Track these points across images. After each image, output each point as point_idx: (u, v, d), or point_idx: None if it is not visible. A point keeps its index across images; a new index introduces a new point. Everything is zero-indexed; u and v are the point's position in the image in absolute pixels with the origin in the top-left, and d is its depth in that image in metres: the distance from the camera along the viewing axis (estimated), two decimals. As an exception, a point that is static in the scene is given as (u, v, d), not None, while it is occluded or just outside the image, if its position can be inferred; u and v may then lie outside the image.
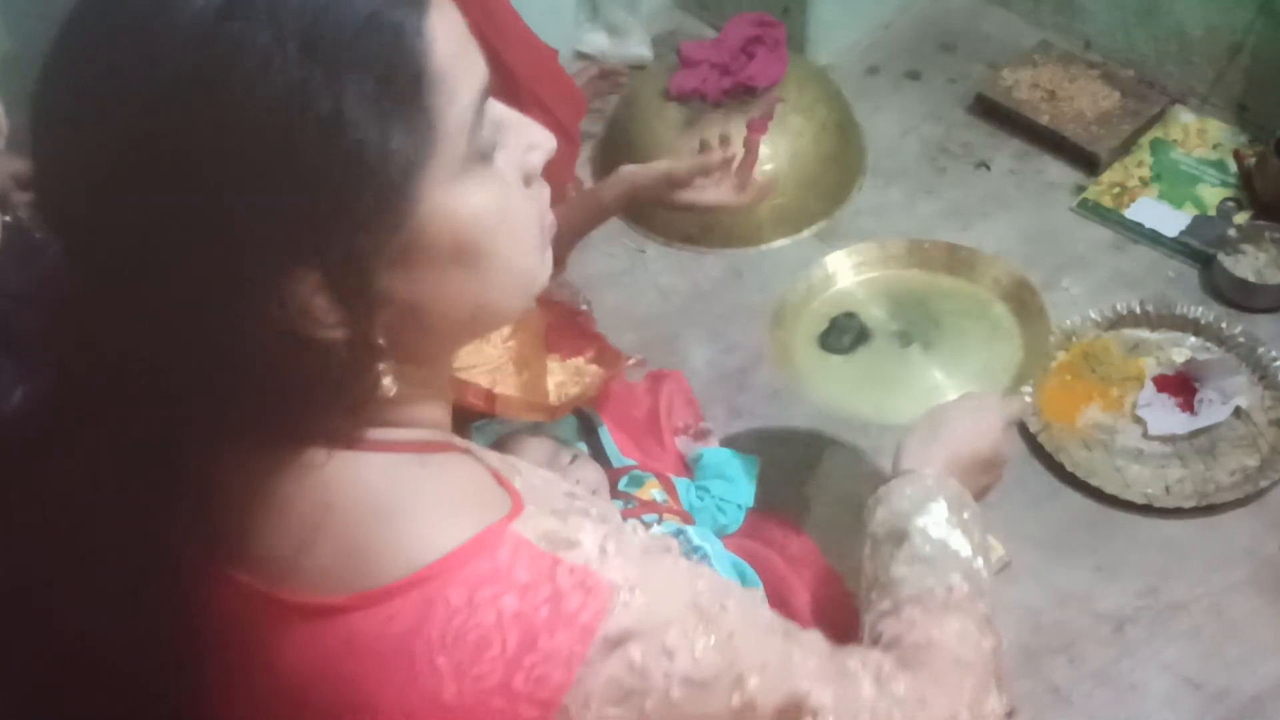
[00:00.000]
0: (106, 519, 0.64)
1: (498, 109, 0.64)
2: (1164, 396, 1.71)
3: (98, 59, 0.55)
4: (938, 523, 0.95)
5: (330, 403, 0.61)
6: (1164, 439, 1.67)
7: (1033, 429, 1.69)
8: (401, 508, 0.63)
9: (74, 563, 0.64)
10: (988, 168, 2.11)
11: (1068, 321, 1.82)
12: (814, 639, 0.77)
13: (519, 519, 0.65)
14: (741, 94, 2.02)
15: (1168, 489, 1.62)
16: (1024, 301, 1.41)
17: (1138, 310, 1.81)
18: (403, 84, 0.56)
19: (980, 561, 0.94)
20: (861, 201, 2.10)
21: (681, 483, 1.44)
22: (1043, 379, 1.76)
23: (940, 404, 1.08)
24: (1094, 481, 1.62)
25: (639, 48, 2.36)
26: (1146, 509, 1.60)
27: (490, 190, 0.62)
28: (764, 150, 1.97)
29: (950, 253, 1.49)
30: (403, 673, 0.60)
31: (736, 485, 1.50)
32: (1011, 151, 2.13)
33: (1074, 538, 1.60)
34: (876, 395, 1.39)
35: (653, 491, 1.40)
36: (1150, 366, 1.76)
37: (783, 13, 2.20)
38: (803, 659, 0.73)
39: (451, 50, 0.59)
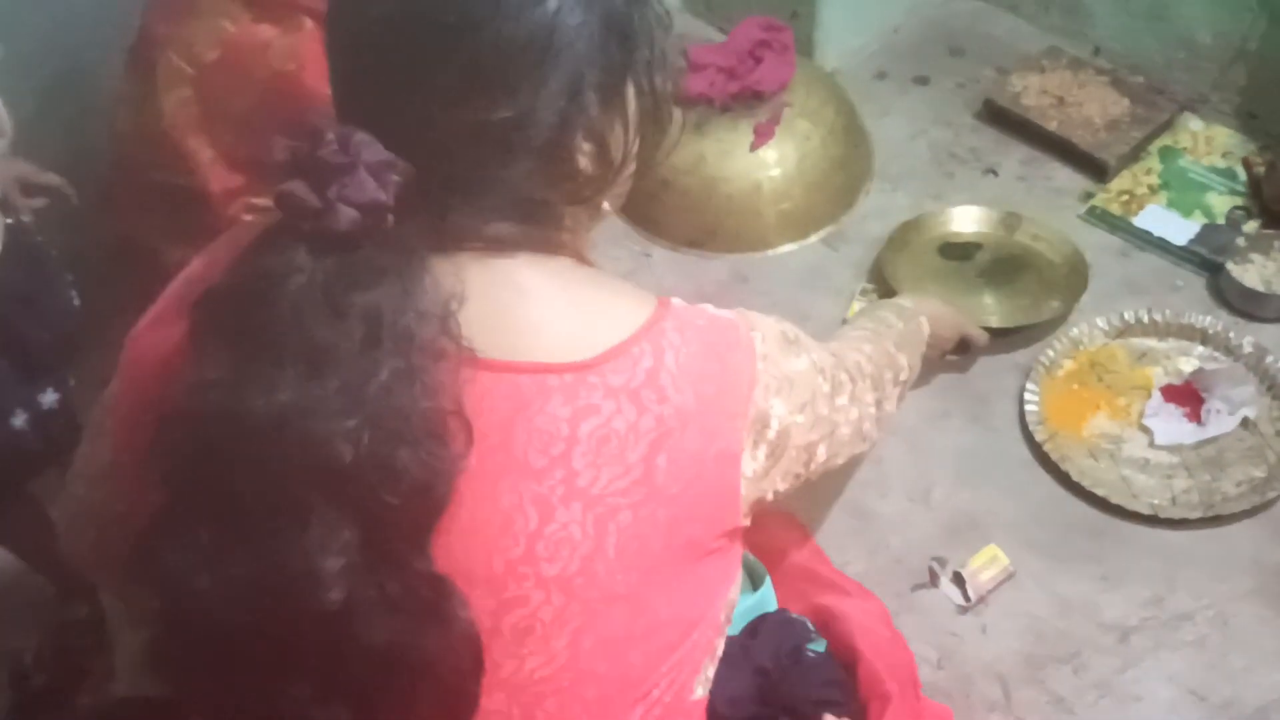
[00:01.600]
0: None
1: None
2: (1171, 406, 1.70)
3: None
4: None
5: (580, 209, 0.92)
6: (1171, 449, 1.67)
7: (1038, 437, 1.69)
8: (613, 288, 0.91)
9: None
10: (995, 174, 2.11)
11: (1075, 329, 1.81)
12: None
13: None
14: (749, 98, 2.01)
15: (1174, 499, 1.61)
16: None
17: (1145, 319, 1.80)
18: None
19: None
20: (869, 206, 2.09)
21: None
22: (1049, 387, 1.75)
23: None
24: (1100, 491, 1.61)
25: (646, 50, 2.35)
26: (1152, 519, 1.59)
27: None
28: (771, 155, 2.00)
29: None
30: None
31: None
32: (1020, 157, 2.12)
33: (1079, 547, 1.60)
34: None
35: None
36: (1158, 376, 1.75)
37: (791, 17, 2.19)
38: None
39: None
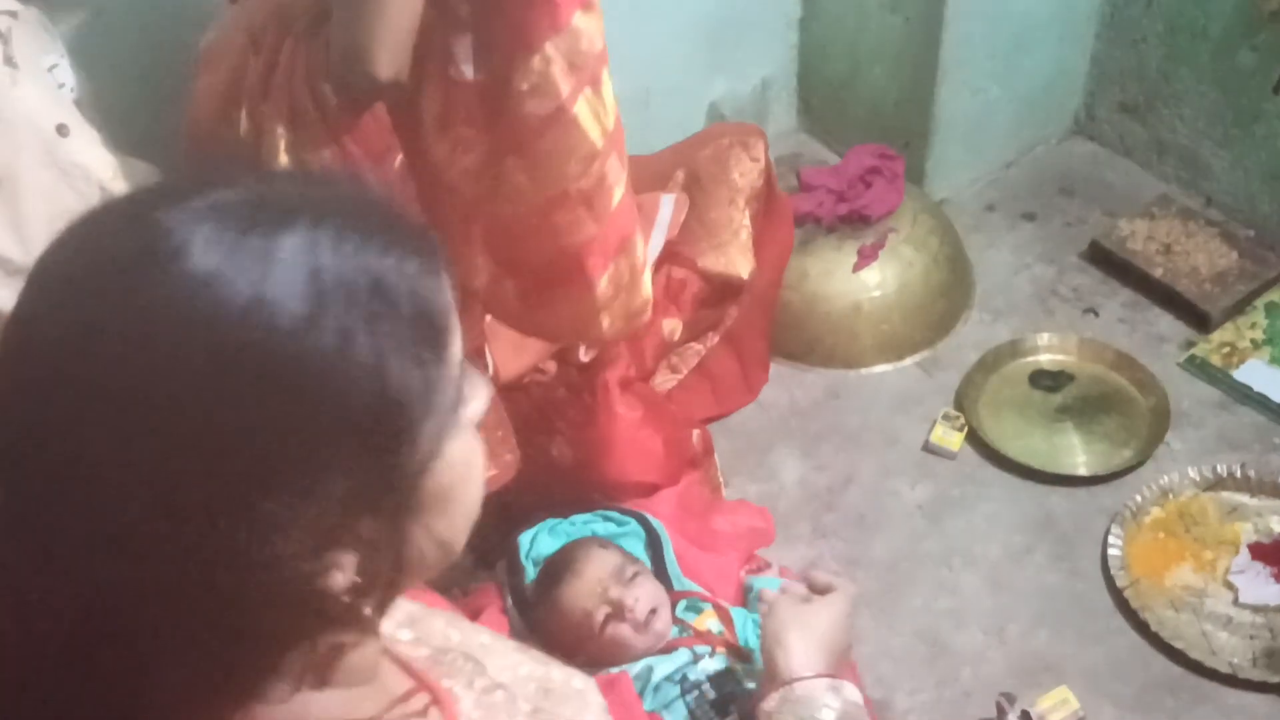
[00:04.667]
0: None
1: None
2: (1259, 565, 1.68)
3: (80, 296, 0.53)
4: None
5: (311, 650, 0.58)
6: (1256, 608, 1.64)
7: (1120, 583, 1.68)
8: None
9: None
10: (1096, 314, 2.12)
11: (1165, 478, 1.80)
12: None
13: None
14: (855, 221, 2.07)
15: (1254, 660, 1.58)
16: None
17: (1239, 474, 1.79)
18: (424, 333, 0.57)
19: None
20: (966, 335, 2.12)
21: (739, 614, 1.46)
22: (1134, 534, 1.75)
23: (797, 608, 1.22)
24: (1179, 644, 1.60)
25: (761, 167, 2.43)
26: (1231, 679, 1.57)
27: (465, 440, 0.61)
28: (873, 278, 2.05)
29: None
30: None
31: None
32: (1122, 301, 2.14)
33: (1154, 700, 1.57)
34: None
35: (709, 622, 1.42)
36: (1247, 532, 1.73)
37: (904, 146, 2.26)
38: None
39: (448, 305, 0.60)
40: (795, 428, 2.00)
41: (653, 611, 1.36)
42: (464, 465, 0.61)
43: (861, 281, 2.05)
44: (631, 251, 1.42)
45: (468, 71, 1.28)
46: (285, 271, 0.52)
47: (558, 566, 1.39)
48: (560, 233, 1.34)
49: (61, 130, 1.32)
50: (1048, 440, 1.90)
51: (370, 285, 0.54)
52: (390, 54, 1.26)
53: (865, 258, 2.04)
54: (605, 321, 1.43)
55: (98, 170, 1.34)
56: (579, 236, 1.35)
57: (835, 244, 2.07)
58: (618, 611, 1.35)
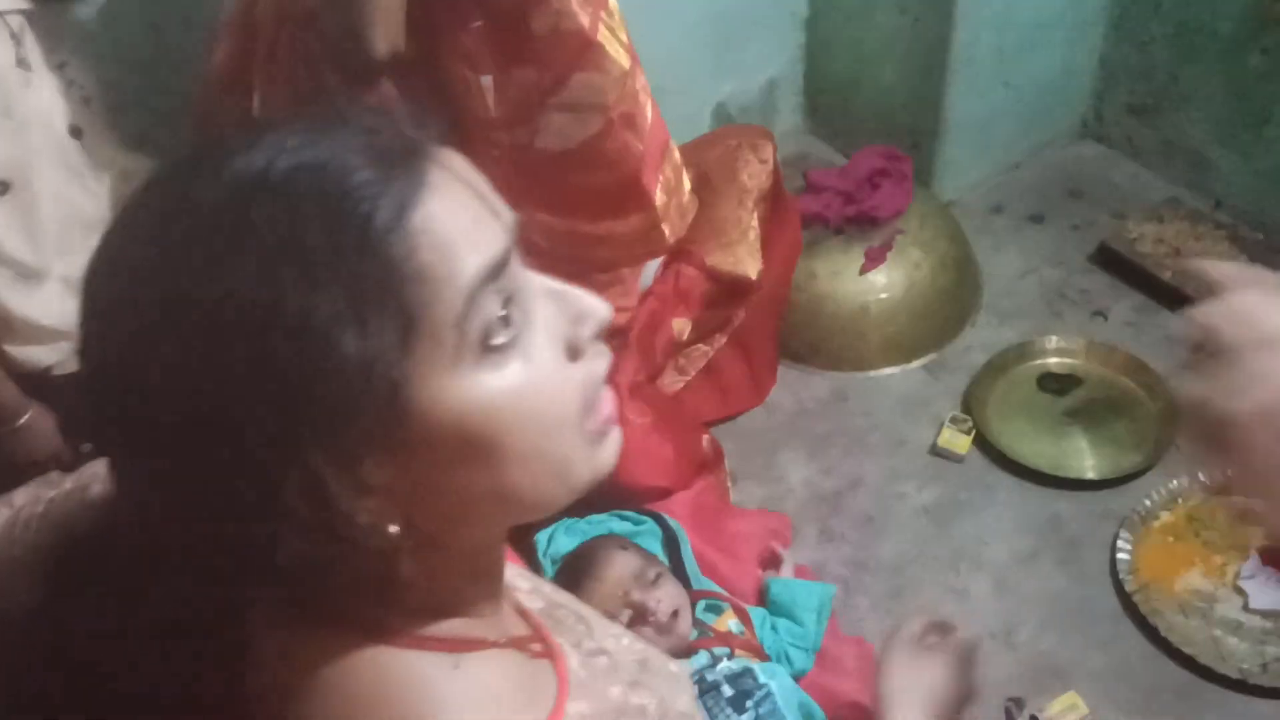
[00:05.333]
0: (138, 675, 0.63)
1: (528, 280, 0.59)
2: (1269, 570, 1.67)
3: (125, 252, 0.55)
4: None
5: (350, 590, 0.58)
6: (1265, 614, 1.63)
7: (1129, 588, 1.67)
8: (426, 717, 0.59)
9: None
10: (1105, 317, 2.11)
11: (1174, 482, 1.79)
12: None
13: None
14: (863, 223, 2.06)
15: (1265, 666, 1.57)
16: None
17: (1248, 478, 1.77)
18: (371, 286, 0.52)
19: None
20: (973, 337, 2.11)
21: (757, 614, 1.45)
22: (1143, 538, 1.74)
23: (916, 664, 1.08)
24: (1188, 650, 1.59)
25: (768, 167, 2.42)
26: (1241, 684, 1.56)
27: (508, 378, 0.55)
28: (880, 279, 2.03)
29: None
30: None
31: (804, 629, 1.51)
32: (1131, 304, 2.13)
33: (1162, 704, 1.56)
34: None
35: (729, 623, 1.42)
36: (1256, 537, 1.72)
37: (912, 147, 2.25)
38: None
39: (444, 239, 0.54)
40: (802, 429, 1.99)
41: (674, 614, 1.36)
42: (501, 406, 0.55)
43: (869, 283, 2.04)
44: (671, 153, 1.45)
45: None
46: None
47: (577, 566, 1.39)
48: (613, 162, 1.35)
49: (74, 132, 1.31)
50: (1055, 444, 1.89)
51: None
52: (383, 29, 1.26)
53: (873, 259, 2.03)
54: (666, 230, 1.47)
55: (111, 172, 1.33)
56: (630, 159, 1.36)
57: (843, 245, 2.06)
58: (640, 615, 1.34)
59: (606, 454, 0.61)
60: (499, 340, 0.55)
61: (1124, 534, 1.74)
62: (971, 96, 2.22)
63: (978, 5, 2.08)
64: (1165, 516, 1.77)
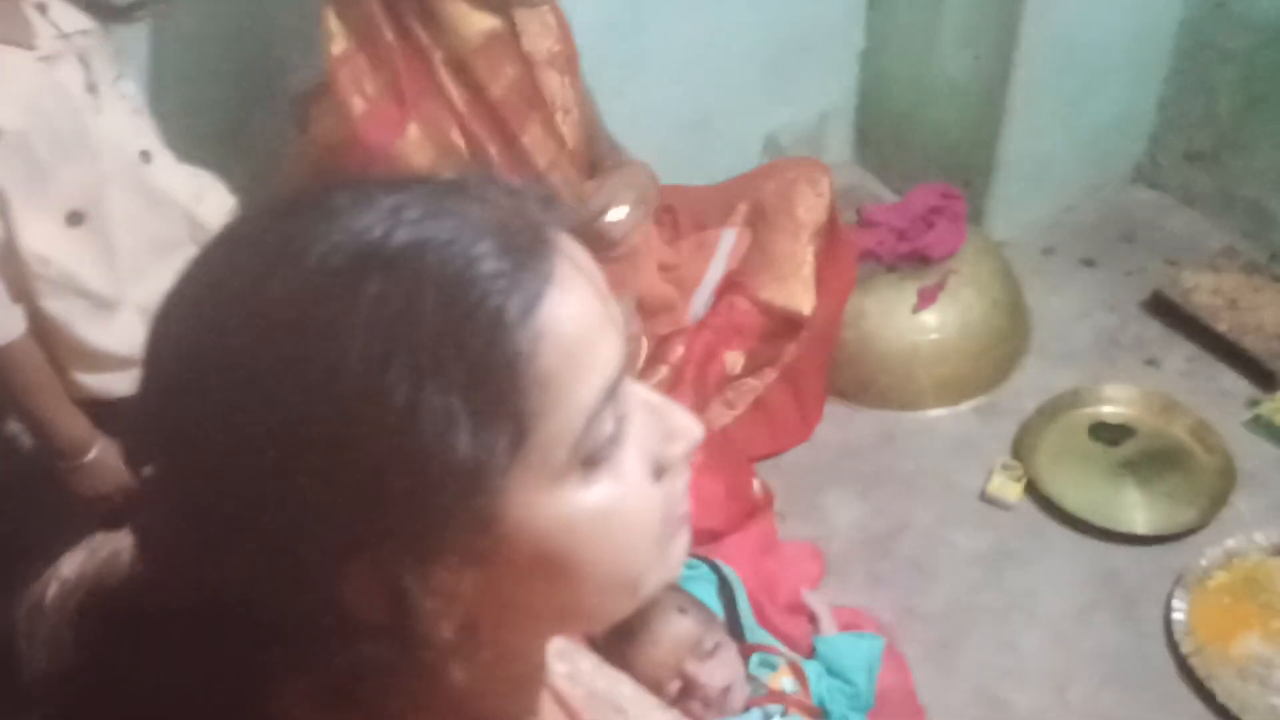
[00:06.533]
0: None
1: (631, 393, 0.54)
2: (1330, 637, 1.63)
3: (209, 295, 0.50)
4: None
5: (390, 688, 0.53)
6: (1326, 682, 1.59)
7: (1184, 649, 1.63)
8: None
9: None
10: (1158, 366, 2.07)
11: (1231, 540, 1.75)
12: None
13: None
14: (916, 261, 2.03)
15: (1327, 738, 1.53)
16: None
17: (1308, 540, 1.74)
18: (492, 387, 0.46)
19: None
20: (1024, 381, 2.07)
21: (812, 668, 1.41)
22: (1199, 598, 1.70)
23: None
24: (1246, 718, 1.55)
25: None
26: (1301, 755, 1.52)
27: (596, 497, 0.51)
28: (932, 319, 2.00)
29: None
30: None
31: (855, 689, 1.46)
32: (1185, 354, 2.09)
33: (1219, 772, 1.53)
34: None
35: (783, 680, 1.37)
36: (1317, 602, 1.69)
37: (965, 185, 2.22)
38: None
39: (570, 343, 0.48)
40: (848, 469, 1.95)
41: (725, 689, 1.31)
42: (590, 526, 0.51)
43: (921, 323, 2.00)
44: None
45: None
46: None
47: (632, 624, 1.34)
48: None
49: (145, 156, 1.28)
50: (1108, 495, 1.85)
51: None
52: None
53: (926, 299, 2.00)
54: None
55: (181, 194, 1.31)
56: None
57: (895, 283, 2.02)
58: (690, 687, 1.29)
59: (676, 557, 0.57)
60: (600, 455, 0.50)
61: (1179, 593, 1.70)
62: (1029, 136, 2.19)
63: (1041, 44, 2.05)
64: (1221, 576, 1.73)
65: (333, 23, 1.47)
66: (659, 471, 0.55)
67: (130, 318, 1.27)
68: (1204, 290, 2.12)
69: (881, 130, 2.45)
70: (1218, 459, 1.88)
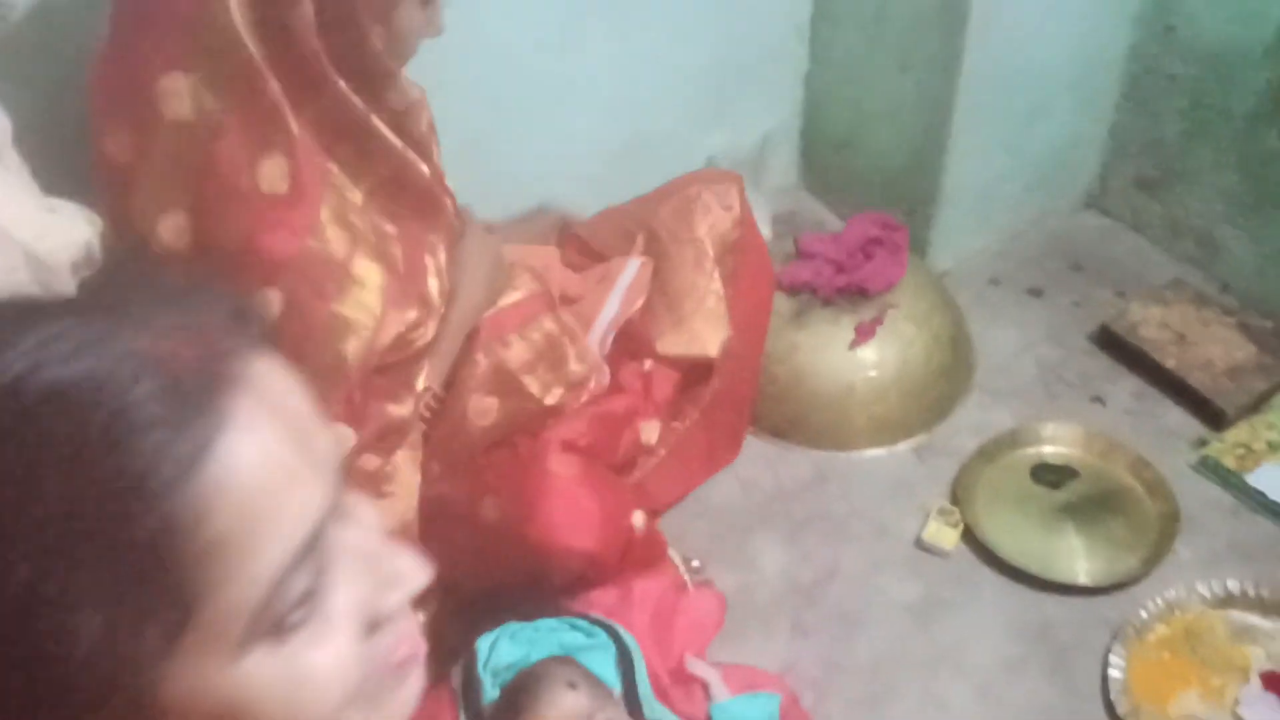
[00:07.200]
0: None
1: (338, 540, 0.46)
2: (1271, 697, 1.56)
3: None
4: None
5: None
6: (1266, 746, 1.52)
7: (1120, 709, 1.55)
8: None
9: None
10: (1103, 403, 2.00)
11: (1171, 590, 1.68)
12: None
13: None
14: (854, 294, 1.95)
15: (1264, 806, 1.46)
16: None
17: (1251, 592, 1.67)
18: (136, 567, 0.39)
19: None
20: (965, 418, 2.00)
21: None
22: (1137, 652, 1.62)
23: None
24: (1182, 782, 1.48)
25: (758, 225, 2.31)
26: (1238, 825, 1.44)
27: (281, 667, 0.44)
28: (869, 355, 1.92)
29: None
30: None
31: None
32: (1130, 389, 2.02)
33: (1152, 842, 1.45)
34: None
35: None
36: (1258, 658, 1.61)
37: (908, 212, 2.15)
38: None
39: (248, 500, 0.41)
40: (779, 512, 1.87)
41: None
42: (274, 696, 0.43)
43: (857, 359, 1.93)
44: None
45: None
46: None
47: (518, 702, 1.25)
48: None
49: None
50: (1047, 541, 1.78)
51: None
52: None
53: (863, 334, 1.92)
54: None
55: (20, 231, 1.21)
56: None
57: (831, 317, 1.95)
58: None
59: (401, 704, 0.50)
60: (291, 620, 0.43)
61: (1116, 648, 1.62)
62: (973, 163, 2.12)
63: (983, 70, 1.98)
64: (1161, 629, 1.66)
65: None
66: (371, 627, 0.47)
67: None
68: (1152, 324, 2.05)
69: (826, 154, 2.38)
70: (1162, 503, 1.81)
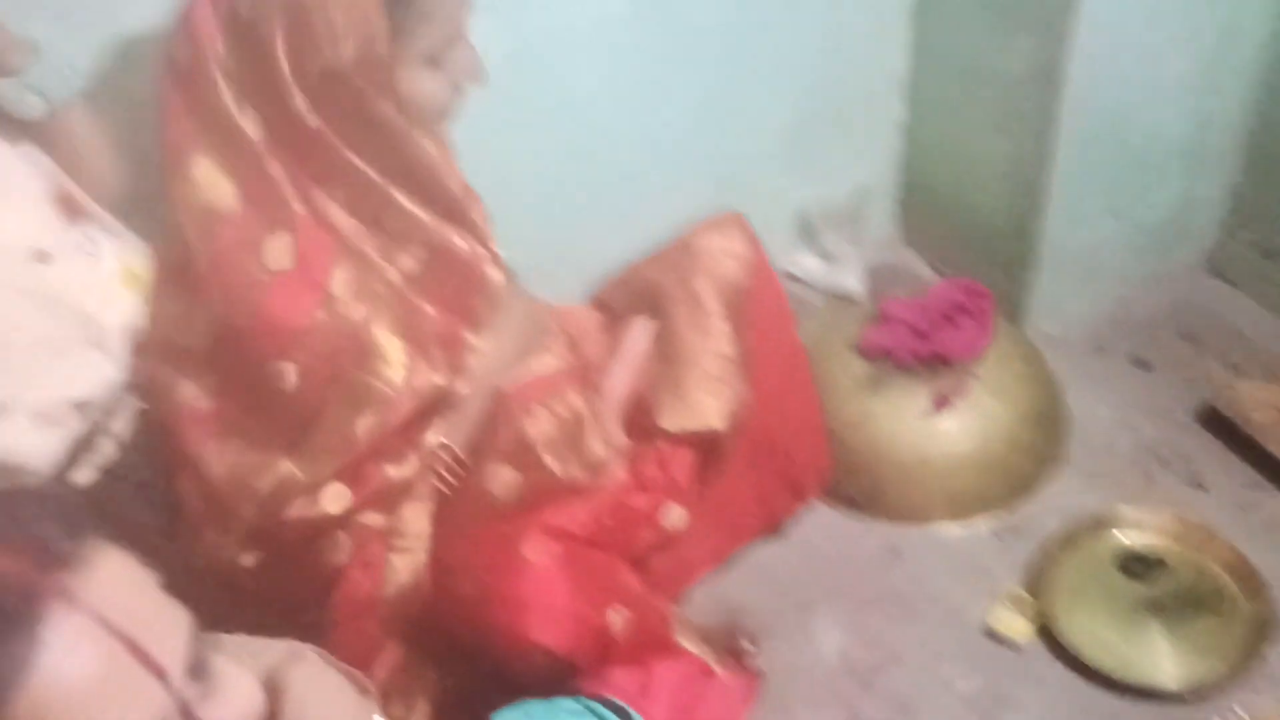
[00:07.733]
0: None
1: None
2: (1362, 835, 1.42)
3: None
4: None
5: None
6: None
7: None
8: None
9: None
10: (1205, 490, 1.87)
11: (1257, 697, 1.55)
12: None
13: None
14: (934, 362, 1.87)
15: None
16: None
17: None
18: None
19: None
20: (1051, 498, 1.89)
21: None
22: None
23: None
24: None
25: (850, 279, 2.25)
26: None
27: None
28: (948, 427, 1.84)
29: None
30: None
31: None
32: (1240, 480, 1.87)
33: None
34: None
35: None
36: (1353, 789, 1.47)
37: (1006, 273, 2.05)
38: None
39: (72, 715, 0.39)
40: (844, 586, 1.81)
41: None
42: None
43: (934, 430, 1.84)
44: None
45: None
46: None
47: None
48: None
49: (40, 256, 1.24)
50: (1129, 639, 1.67)
51: None
52: None
53: (940, 404, 1.84)
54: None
55: (85, 300, 1.26)
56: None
57: (908, 386, 1.87)
58: None
59: None
60: None
61: (1193, 764, 1.51)
62: (1075, 224, 2.00)
63: (1083, 131, 1.87)
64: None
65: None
66: None
67: (23, 421, 1.23)
68: (1265, 407, 1.91)
69: (925, 209, 2.30)
70: (1258, 606, 1.68)
